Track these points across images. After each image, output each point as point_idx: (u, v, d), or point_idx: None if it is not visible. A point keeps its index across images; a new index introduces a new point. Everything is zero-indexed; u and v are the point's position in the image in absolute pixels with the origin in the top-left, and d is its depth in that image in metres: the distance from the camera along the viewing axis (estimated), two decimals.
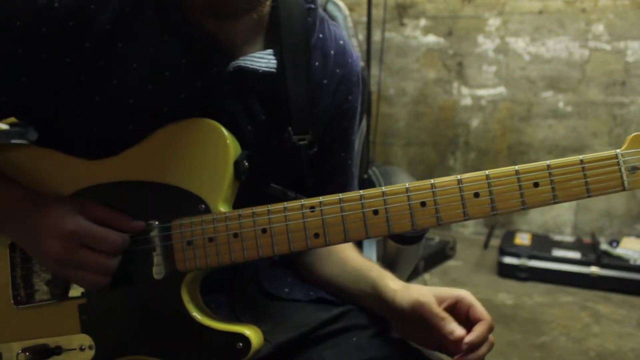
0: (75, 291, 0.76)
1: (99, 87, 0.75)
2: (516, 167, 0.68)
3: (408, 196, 0.69)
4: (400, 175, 1.46)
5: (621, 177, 0.67)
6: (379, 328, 0.84)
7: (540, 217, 3.18)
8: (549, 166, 0.67)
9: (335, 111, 0.89)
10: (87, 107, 0.76)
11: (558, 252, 2.74)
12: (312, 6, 0.84)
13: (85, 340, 0.76)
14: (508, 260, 2.75)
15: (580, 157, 0.67)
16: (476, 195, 0.68)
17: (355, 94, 0.91)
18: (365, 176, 1.47)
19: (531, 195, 0.68)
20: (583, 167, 0.67)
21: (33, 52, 0.72)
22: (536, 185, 0.67)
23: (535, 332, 2.25)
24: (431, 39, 3.22)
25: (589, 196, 0.67)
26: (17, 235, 0.76)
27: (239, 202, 0.75)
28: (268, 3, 0.77)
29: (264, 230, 0.71)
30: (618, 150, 0.67)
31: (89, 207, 0.73)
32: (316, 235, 0.70)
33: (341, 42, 0.88)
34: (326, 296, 0.94)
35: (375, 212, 0.70)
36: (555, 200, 0.67)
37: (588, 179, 0.67)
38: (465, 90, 3.20)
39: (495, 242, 3.07)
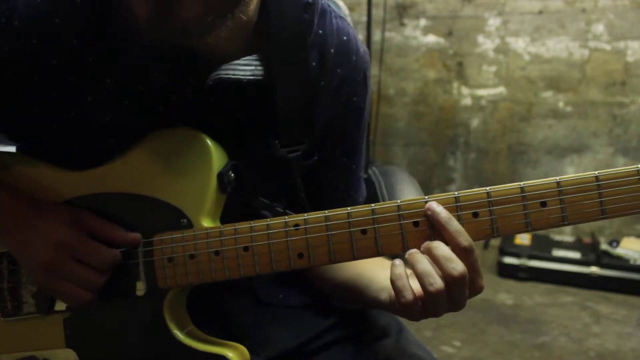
0: (61, 305, 0.75)
1: (73, 103, 0.72)
2: (521, 184, 0.61)
3: (399, 215, 0.64)
4: (400, 175, 1.46)
5: None
6: (376, 334, 0.83)
7: None
8: (558, 183, 0.60)
9: (337, 114, 0.81)
10: (64, 123, 0.73)
11: (558, 252, 2.74)
12: (310, 1, 0.76)
13: (70, 355, 0.74)
14: (508, 260, 2.75)
15: (596, 172, 0.59)
16: (475, 215, 0.62)
17: (360, 95, 0.83)
18: (365, 176, 1.47)
19: (538, 218, 0.61)
20: (599, 185, 0.59)
21: (0, 72, 0.69)
22: (544, 204, 0.61)
23: (535, 332, 2.25)
24: (431, 39, 3.22)
25: (604, 217, 0.60)
26: (7, 240, 0.74)
27: (228, 217, 0.72)
28: (253, 6, 0.69)
29: (245, 249, 0.67)
30: None
31: (84, 217, 0.71)
32: (300, 256, 0.66)
33: (345, 37, 0.80)
34: (322, 300, 0.92)
35: (364, 232, 0.64)
36: (565, 222, 0.60)
37: (603, 199, 0.59)
38: (465, 90, 3.20)
39: (495, 242, 3.06)
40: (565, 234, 3.09)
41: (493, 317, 2.38)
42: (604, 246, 2.75)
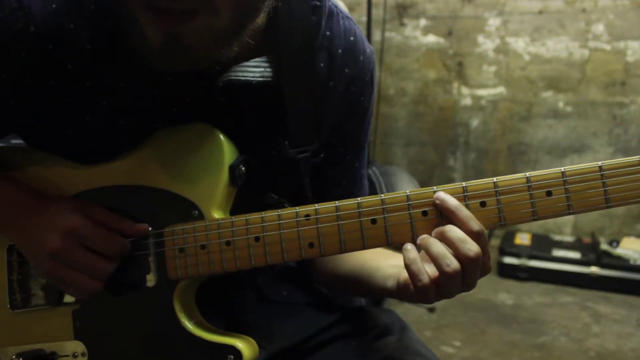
0: (70, 297, 0.75)
1: (88, 108, 0.73)
2: (527, 174, 0.63)
3: (409, 205, 0.65)
4: (400, 175, 1.46)
5: None
6: (379, 332, 0.83)
7: None
8: (563, 173, 0.62)
9: (344, 114, 0.82)
10: (79, 127, 0.74)
11: (558, 252, 2.74)
12: (318, 3, 0.77)
13: (79, 347, 0.74)
14: (508, 260, 2.76)
15: (600, 163, 0.62)
16: (483, 204, 0.64)
17: (367, 94, 0.84)
18: None
19: (544, 207, 0.63)
20: (602, 175, 0.62)
21: (16, 77, 0.70)
22: (549, 194, 0.63)
23: (535, 332, 2.25)
24: (431, 39, 3.22)
25: (608, 207, 0.62)
26: (15, 231, 0.74)
27: (238, 212, 0.72)
28: (261, 16, 0.68)
29: (257, 239, 0.69)
30: None
31: (92, 209, 0.72)
32: (311, 245, 0.68)
33: (352, 38, 0.81)
34: (326, 297, 0.92)
35: (374, 221, 0.66)
36: (570, 210, 0.62)
37: (607, 188, 0.61)
38: (465, 90, 3.20)
39: (495, 242, 3.06)
40: (565, 234, 3.09)
41: (493, 317, 2.38)
42: (604, 246, 2.75)
